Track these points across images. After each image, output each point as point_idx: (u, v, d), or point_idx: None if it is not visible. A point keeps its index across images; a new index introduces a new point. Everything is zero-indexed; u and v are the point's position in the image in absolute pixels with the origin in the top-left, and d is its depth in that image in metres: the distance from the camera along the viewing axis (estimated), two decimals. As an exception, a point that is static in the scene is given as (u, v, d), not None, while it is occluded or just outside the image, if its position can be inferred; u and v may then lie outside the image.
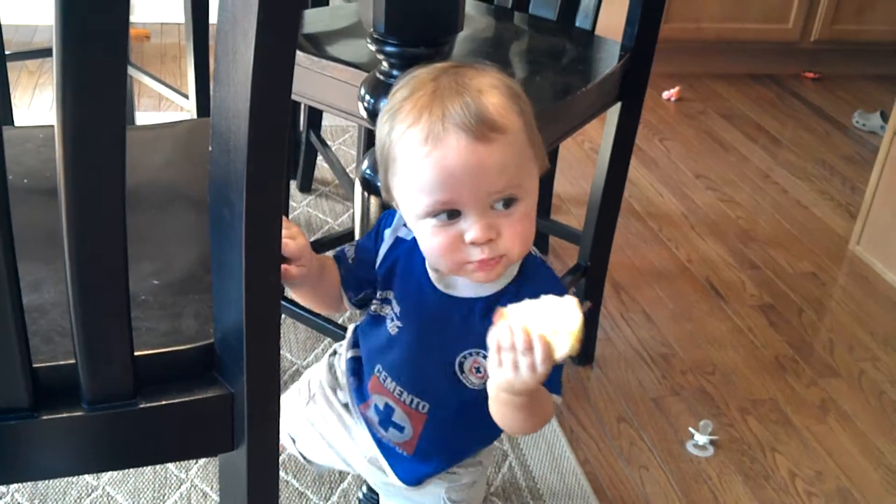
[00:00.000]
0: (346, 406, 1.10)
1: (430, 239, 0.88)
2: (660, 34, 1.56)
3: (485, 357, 0.93)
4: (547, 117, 1.34)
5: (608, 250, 1.76)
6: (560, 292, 0.94)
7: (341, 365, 1.10)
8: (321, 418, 1.12)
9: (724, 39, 3.36)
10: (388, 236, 0.99)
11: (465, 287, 0.94)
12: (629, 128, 1.62)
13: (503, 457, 1.58)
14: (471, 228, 0.86)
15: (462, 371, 0.96)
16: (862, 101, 3.32)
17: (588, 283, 1.74)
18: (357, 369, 1.07)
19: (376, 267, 0.98)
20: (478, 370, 0.95)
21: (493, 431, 1.08)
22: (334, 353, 1.13)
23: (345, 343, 1.10)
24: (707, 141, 2.94)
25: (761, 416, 1.74)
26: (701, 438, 1.65)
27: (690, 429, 1.67)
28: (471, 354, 0.95)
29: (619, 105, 1.58)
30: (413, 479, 1.06)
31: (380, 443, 1.07)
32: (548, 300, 0.83)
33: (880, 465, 1.65)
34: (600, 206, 1.66)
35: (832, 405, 1.79)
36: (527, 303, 0.83)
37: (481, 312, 0.94)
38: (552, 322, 0.81)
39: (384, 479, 1.09)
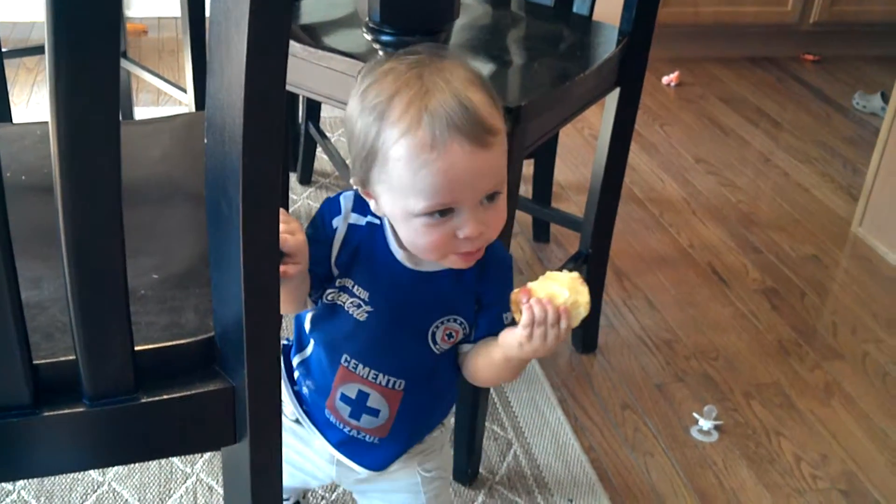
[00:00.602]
0: (296, 421, 1.09)
1: (422, 236, 0.90)
2: (658, 19, 1.55)
3: (454, 321, 1.00)
4: (545, 104, 1.33)
5: (609, 237, 1.76)
6: (505, 251, 1.05)
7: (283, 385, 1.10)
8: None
9: (722, 23, 3.34)
10: (339, 225, 0.98)
11: (431, 262, 0.96)
12: (628, 113, 1.61)
13: (508, 445, 1.58)
14: (465, 225, 0.89)
15: (435, 341, 1.00)
16: (862, 83, 3.31)
17: (590, 270, 1.74)
18: (308, 371, 1.06)
19: (333, 258, 0.98)
20: (449, 335, 1.00)
21: (453, 392, 1.13)
22: None
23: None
24: (707, 125, 2.93)
25: (765, 401, 1.74)
26: (705, 424, 1.65)
27: (695, 414, 1.67)
28: (442, 322, 0.99)
29: (618, 90, 1.57)
30: (382, 463, 1.07)
31: (340, 441, 1.06)
32: (556, 275, 0.92)
33: (885, 446, 1.65)
34: (601, 192, 1.66)
35: (836, 388, 1.79)
36: (541, 280, 0.92)
37: (449, 282, 0.98)
38: (569, 295, 0.90)
39: (356, 478, 1.09)
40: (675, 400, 1.72)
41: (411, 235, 0.92)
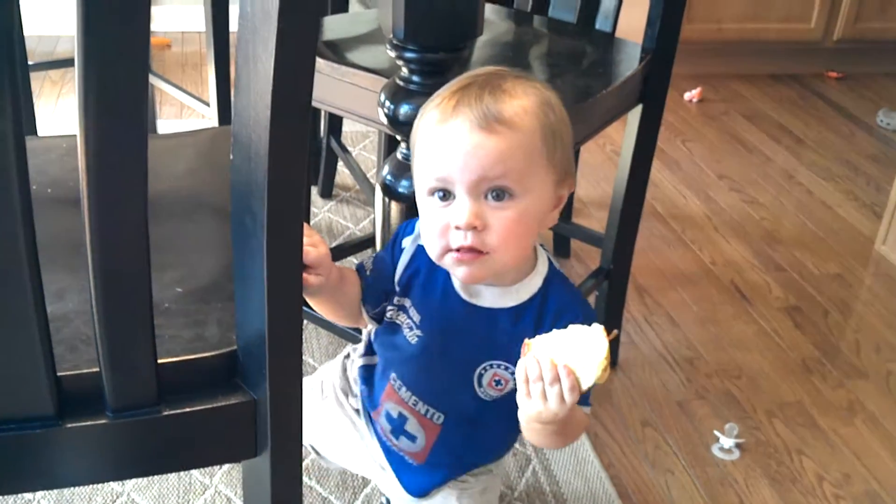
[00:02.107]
0: (357, 412, 1.09)
1: (427, 219, 0.90)
2: (681, 35, 1.55)
3: (506, 369, 0.95)
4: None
5: (631, 253, 1.75)
6: (583, 306, 0.97)
7: (353, 372, 1.10)
8: (334, 420, 1.12)
9: (745, 40, 3.34)
10: (408, 245, 0.99)
11: (490, 297, 0.94)
12: (651, 130, 1.61)
13: (527, 461, 1.57)
14: (456, 211, 0.87)
15: (480, 384, 0.96)
16: (886, 100, 3.29)
17: (611, 286, 1.74)
18: (369, 377, 1.06)
19: (397, 276, 0.98)
20: (497, 383, 0.96)
21: (505, 444, 1.09)
22: (348, 355, 1.13)
23: (359, 348, 1.09)
24: (730, 142, 2.92)
25: (788, 419, 1.73)
26: (727, 442, 1.64)
27: (716, 432, 1.66)
28: (491, 366, 0.95)
29: (640, 107, 1.57)
30: (420, 490, 1.06)
31: (388, 451, 1.07)
32: (575, 330, 0.84)
33: (909, 467, 1.64)
34: (622, 208, 1.66)
35: (859, 407, 1.78)
36: (554, 333, 0.85)
37: (506, 323, 0.94)
38: (578, 353, 0.82)
39: (395, 487, 1.09)
40: (696, 417, 1.71)
41: (421, 221, 0.92)
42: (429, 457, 1.03)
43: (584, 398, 0.88)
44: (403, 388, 1.00)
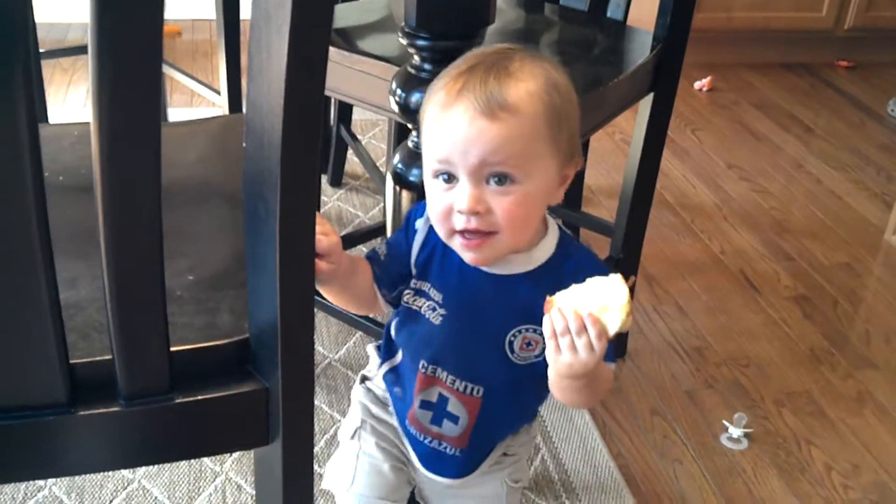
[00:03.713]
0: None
1: (432, 201, 0.91)
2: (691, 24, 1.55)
3: (535, 331, 0.94)
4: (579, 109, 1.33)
5: (640, 242, 1.75)
6: (598, 263, 0.97)
7: (379, 384, 1.09)
8: (379, 438, 1.09)
9: (756, 28, 3.32)
10: (421, 226, 0.98)
11: (507, 264, 0.94)
12: (661, 119, 1.60)
13: (535, 450, 1.57)
14: (458, 195, 0.87)
15: (512, 350, 0.96)
16: (897, 90, 3.28)
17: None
18: (397, 379, 1.05)
19: (413, 258, 0.98)
20: (528, 345, 0.96)
21: (537, 405, 1.09)
22: (364, 379, 1.12)
23: (372, 365, 1.09)
24: (740, 131, 2.91)
25: (796, 409, 1.73)
26: (735, 431, 1.64)
27: (724, 422, 1.66)
28: (520, 331, 0.95)
29: (651, 96, 1.57)
30: (466, 470, 1.05)
31: (422, 455, 1.05)
32: (593, 281, 0.85)
33: (918, 458, 1.63)
34: (632, 197, 1.65)
35: (869, 397, 1.77)
36: (574, 287, 0.85)
37: (527, 286, 0.94)
38: (600, 300, 0.83)
39: (441, 486, 1.08)
40: (704, 407, 1.71)
41: (428, 205, 0.92)
42: (472, 435, 1.02)
43: (608, 354, 0.88)
44: (438, 370, 0.99)
